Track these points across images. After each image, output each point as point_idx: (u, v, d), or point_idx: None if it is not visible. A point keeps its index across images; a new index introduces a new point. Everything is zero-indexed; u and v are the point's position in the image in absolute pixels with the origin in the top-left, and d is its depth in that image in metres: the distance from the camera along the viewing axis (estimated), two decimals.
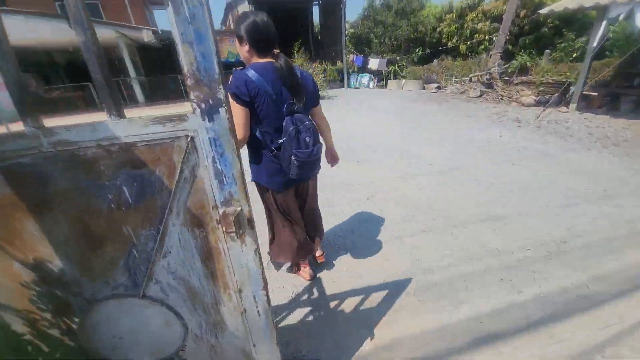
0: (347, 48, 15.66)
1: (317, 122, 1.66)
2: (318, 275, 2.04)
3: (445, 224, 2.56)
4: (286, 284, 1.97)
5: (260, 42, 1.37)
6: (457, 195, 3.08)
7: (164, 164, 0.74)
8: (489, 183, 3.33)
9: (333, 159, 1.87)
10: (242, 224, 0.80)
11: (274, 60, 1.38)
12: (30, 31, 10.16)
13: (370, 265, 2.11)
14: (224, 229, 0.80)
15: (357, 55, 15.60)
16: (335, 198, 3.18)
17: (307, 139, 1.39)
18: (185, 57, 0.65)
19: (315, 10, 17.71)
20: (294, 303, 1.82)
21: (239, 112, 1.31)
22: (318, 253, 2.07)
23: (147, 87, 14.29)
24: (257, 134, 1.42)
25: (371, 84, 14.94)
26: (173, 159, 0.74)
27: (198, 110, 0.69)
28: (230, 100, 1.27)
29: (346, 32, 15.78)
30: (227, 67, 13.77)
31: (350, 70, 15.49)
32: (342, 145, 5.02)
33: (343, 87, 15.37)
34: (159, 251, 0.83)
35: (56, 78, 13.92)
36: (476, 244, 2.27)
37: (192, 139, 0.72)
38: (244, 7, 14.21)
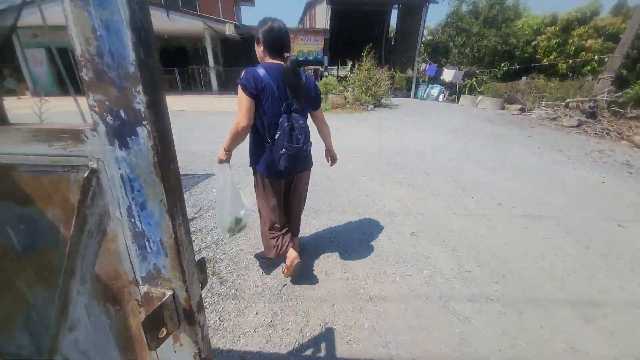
0: (420, 56, 14.67)
1: (317, 124, 1.84)
2: (324, 342, 1.65)
3: (511, 295, 1.93)
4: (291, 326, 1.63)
5: (273, 45, 1.55)
6: (533, 255, 2.37)
7: (58, 204, 0.45)
8: (583, 245, 2.51)
9: (332, 158, 2.04)
10: (174, 317, 0.48)
11: (283, 63, 1.55)
12: None
13: (401, 328, 1.64)
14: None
15: (430, 64, 14.51)
16: (374, 226, 2.73)
17: (299, 136, 1.55)
18: (75, 27, 0.34)
19: (394, 14, 17.02)
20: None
21: (246, 101, 1.50)
22: (293, 255, 1.85)
23: (222, 76, 15.41)
24: (259, 125, 1.60)
25: (441, 97, 13.74)
26: (69, 198, 0.44)
27: (102, 126, 0.39)
28: (240, 90, 1.50)
29: (423, 39, 14.79)
30: (305, 63, 14.08)
31: (420, 80, 14.49)
32: (390, 160, 4.54)
33: (409, 96, 14.45)
34: (61, 321, 0.55)
35: None
36: (557, 336, 1.62)
37: (96, 172, 0.42)
38: (322, 7, 14.31)
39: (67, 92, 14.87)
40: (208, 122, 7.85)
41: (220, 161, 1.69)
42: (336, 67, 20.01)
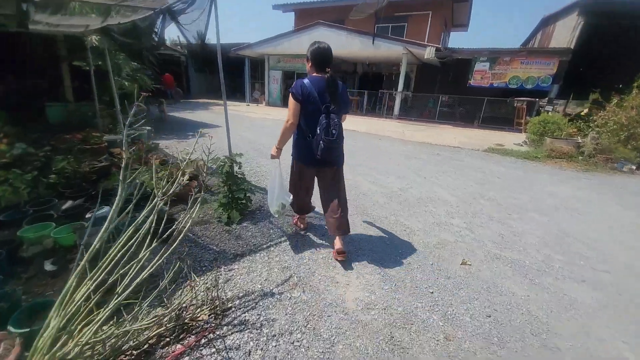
0: None
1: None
2: None
3: None
4: None
5: (317, 62, 2.07)
6: None
7: None
8: None
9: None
10: None
11: (325, 76, 2.03)
12: (346, 44, 13.01)
13: None
14: None
15: None
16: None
17: (334, 131, 1.99)
18: None
19: None
20: None
21: (294, 105, 2.03)
22: (337, 246, 2.24)
23: (408, 101, 14.79)
24: (302, 124, 2.11)
25: None
26: None
27: None
28: (290, 97, 2.06)
29: None
30: (517, 93, 11.14)
31: None
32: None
33: None
34: None
35: (350, 83, 17.67)
36: None
37: None
38: (569, 21, 10.51)
39: (287, 104, 19.75)
40: (372, 146, 7.18)
41: (272, 157, 2.21)
42: (565, 100, 14.55)
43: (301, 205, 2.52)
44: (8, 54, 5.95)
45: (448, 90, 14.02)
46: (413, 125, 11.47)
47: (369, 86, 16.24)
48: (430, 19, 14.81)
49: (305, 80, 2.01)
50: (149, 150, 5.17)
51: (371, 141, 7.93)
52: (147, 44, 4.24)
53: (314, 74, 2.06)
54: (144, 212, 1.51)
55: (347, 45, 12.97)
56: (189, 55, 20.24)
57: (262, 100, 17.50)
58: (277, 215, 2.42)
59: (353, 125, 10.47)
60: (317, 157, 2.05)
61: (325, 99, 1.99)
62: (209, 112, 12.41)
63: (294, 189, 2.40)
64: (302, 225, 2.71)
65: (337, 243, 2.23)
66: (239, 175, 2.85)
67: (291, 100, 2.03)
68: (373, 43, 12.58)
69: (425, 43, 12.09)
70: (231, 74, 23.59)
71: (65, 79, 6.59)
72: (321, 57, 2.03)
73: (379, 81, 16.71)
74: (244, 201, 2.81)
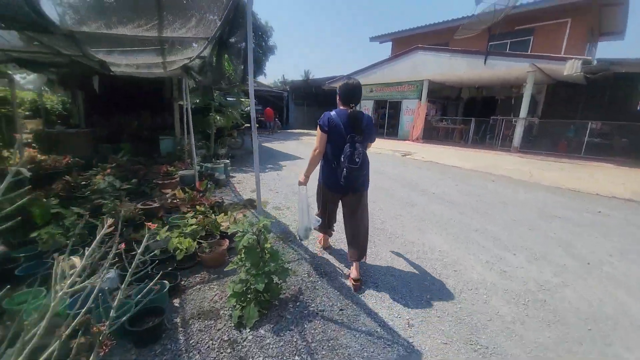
0: None
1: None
2: None
3: None
4: None
5: (344, 97, 2.21)
6: None
7: None
8: None
9: None
10: None
11: (348, 110, 2.16)
12: (449, 67, 11.30)
13: None
14: None
15: None
16: None
17: (357, 159, 2.07)
18: None
19: None
20: None
21: (320, 135, 2.18)
22: (353, 275, 2.31)
23: (534, 130, 11.58)
24: (328, 152, 2.23)
25: None
26: None
27: None
28: (317, 128, 2.19)
29: None
30: None
31: None
32: None
33: None
34: None
35: (452, 109, 15.43)
36: None
37: None
38: None
39: (377, 134, 17.70)
40: (482, 192, 5.30)
41: (300, 184, 2.36)
42: None
43: (323, 224, 2.61)
44: (139, 94, 7.09)
45: (600, 115, 10.27)
46: (542, 162, 8.58)
47: (476, 113, 13.74)
48: (568, 28, 11.58)
49: (332, 113, 2.18)
50: (220, 186, 5.01)
51: (480, 183, 6.00)
52: (218, 80, 4.09)
53: (341, 107, 2.24)
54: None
55: (450, 68, 11.29)
56: (291, 90, 22.22)
57: None
58: (303, 240, 2.75)
59: (455, 159, 8.53)
60: (341, 183, 2.17)
61: (350, 130, 2.11)
62: (297, 143, 12.61)
63: (320, 210, 2.57)
64: (323, 244, 2.88)
65: (353, 271, 2.34)
66: (269, 248, 1.93)
67: (318, 131, 2.19)
68: (485, 63, 10.51)
69: (565, 55, 9.23)
70: (324, 105, 24.74)
71: (175, 115, 7.49)
72: (347, 92, 2.19)
73: (491, 106, 13.95)
74: (267, 293, 1.86)
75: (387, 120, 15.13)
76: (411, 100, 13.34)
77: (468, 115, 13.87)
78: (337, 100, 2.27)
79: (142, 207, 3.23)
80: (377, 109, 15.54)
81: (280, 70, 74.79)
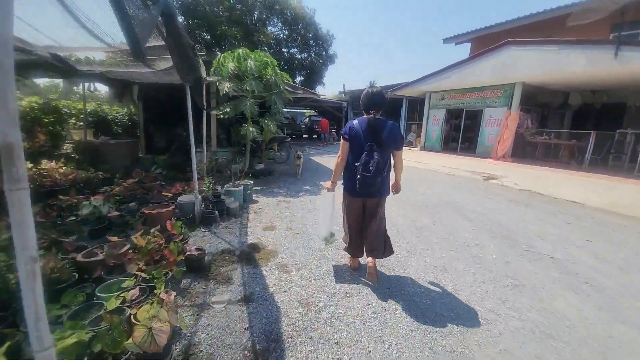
0: None
1: (395, 160, 2.41)
2: None
3: None
4: None
5: (364, 105, 2.31)
6: None
7: None
8: None
9: (396, 190, 2.50)
10: None
11: (368, 117, 2.25)
12: (553, 66, 8.48)
13: None
14: None
15: None
16: None
17: (371, 167, 2.14)
18: None
19: None
20: None
21: (343, 144, 2.33)
22: (369, 265, 2.51)
23: None
24: (350, 159, 2.34)
25: None
26: None
27: None
28: (341, 137, 2.33)
29: None
30: None
31: None
32: None
33: None
34: None
35: (555, 120, 11.97)
36: None
37: None
38: None
39: (448, 149, 16.15)
40: (625, 255, 3.00)
41: (328, 190, 2.50)
42: None
43: (353, 243, 2.59)
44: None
45: None
46: None
47: (590, 124, 10.28)
48: None
49: (355, 121, 2.30)
50: (229, 215, 3.90)
51: (634, 239, 3.60)
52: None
53: (363, 116, 2.34)
54: None
55: (558, 65, 8.47)
56: (351, 100, 21.00)
57: (417, 143, 14.91)
58: (325, 243, 2.74)
59: (569, 189, 5.92)
60: (357, 189, 2.27)
61: (369, 138, 2.20)
62: None
63: (346, 219, 2.59)
64: (353, 266, 2.68)
65: (369, 262, 2.53)
66: None
67: (342, 139, 2.33)
68: (616, 55, 7.50)
69: None
70: (388, 115, 22.63)
71: (212, 128, 6.89)
72: (366, 100, 2.29)
73: (615, 116, 10.28)
74: None
75: (462, 133, 12.53)
76: (496, 108, 10.66)
77: (578, 127, 10.46)
78: (361, 108, 2.38)
79: (82, 259, 2.22)
80: (449, 120, 13.09)
81: (338, 81, 74.67)
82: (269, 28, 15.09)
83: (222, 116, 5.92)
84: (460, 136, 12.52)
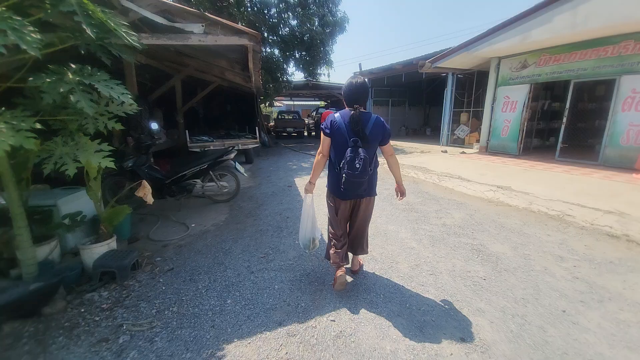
0: None
1: (386, 158, 2.26)
2: None
3: None
4: None
5: (347, 97, 2.09)
6: None
7: None
8: None
9: (401, 193, 2.32)
10: None
11: (351, 111, 2.01)
12: None
13: None
14: None
15: None
16: None
17: (357, 165, 1.93)
18: None
19: None
20: None
21: (324, 140, 2.10)
22: (355, 268, 2.55)
23: None
24: (332, 156, 2.15)
25: None
26: None
27: None
28: (321, 132, 2.10)
29: None
30: None
31: None
32: None
33: None
34: None
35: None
36: None
37: None
38: None
39: (533, 152, 7.50)
40: None
41: (306, 191, 2.26)
42: None
43: (339, 250, 2.34)
44: None
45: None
46: None
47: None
48: None
49: (337, 114, 2.08)
50: None
51: None
52: None
53: (345, 108, 2.13)
54: None
55: None
56: (371, 84, 15.96)
57: (473, 140, 9.77)
58: (307, 251, 2.58)
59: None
60: (341, 189, 2.09)
61: (352, 134, 2.02)
62: None
63: (332, 222, 2.40)
64: (339, 281, 2.43)
65: (353, 260, 2.53)
66: None
67: (323, 134, 2.11)
68: None
69: None
70: (423, 103, 17.41)
71: None
72: (350, 92, 2.07)
73: None
74: None
75: (567, 122, 7.21)
76: None
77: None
78: (343, 101, 2.16)
79: None
80: (533, 100, 7.86)
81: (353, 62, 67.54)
82: None
83: None
84: (562, 128, 7.22)
